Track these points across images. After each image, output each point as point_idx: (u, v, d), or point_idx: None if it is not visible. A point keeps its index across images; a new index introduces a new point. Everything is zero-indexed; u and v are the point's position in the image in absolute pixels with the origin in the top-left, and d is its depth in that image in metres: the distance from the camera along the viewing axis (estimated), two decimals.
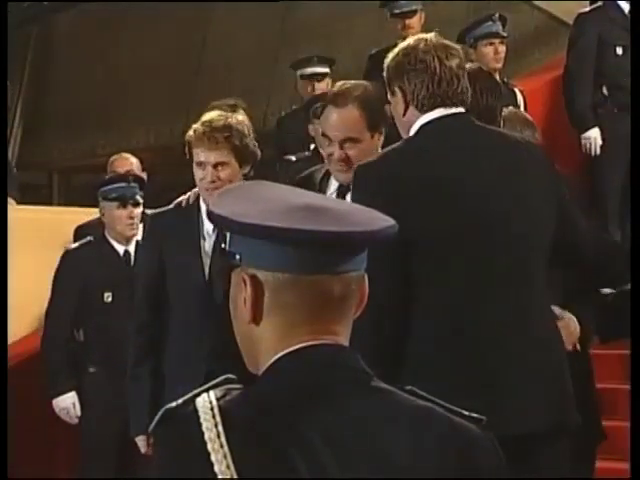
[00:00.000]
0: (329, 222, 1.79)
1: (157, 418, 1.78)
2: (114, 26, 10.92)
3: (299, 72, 8.29)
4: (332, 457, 1.74)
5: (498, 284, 3.52)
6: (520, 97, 7.62)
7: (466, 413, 1.84)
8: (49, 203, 10.16)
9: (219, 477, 1.70)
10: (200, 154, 4.52)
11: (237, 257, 1.83)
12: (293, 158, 7.26)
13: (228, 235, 1.86)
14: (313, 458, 1.73)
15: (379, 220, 1.86)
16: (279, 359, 1.82)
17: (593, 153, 7.60)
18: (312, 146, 7.33)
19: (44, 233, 7.01)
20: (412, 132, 3.58)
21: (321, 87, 8.08)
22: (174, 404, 1.78)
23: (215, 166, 4.48)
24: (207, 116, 4.67)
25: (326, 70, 8.26)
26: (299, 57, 8.57)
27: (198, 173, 4.55)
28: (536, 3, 9.22)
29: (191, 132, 4.61)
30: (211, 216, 1.84)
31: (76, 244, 6.28)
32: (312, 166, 6.95)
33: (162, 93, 10.55)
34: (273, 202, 1.82)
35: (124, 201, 6.28)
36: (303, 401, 1.78)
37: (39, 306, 6.33)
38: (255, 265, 1.81)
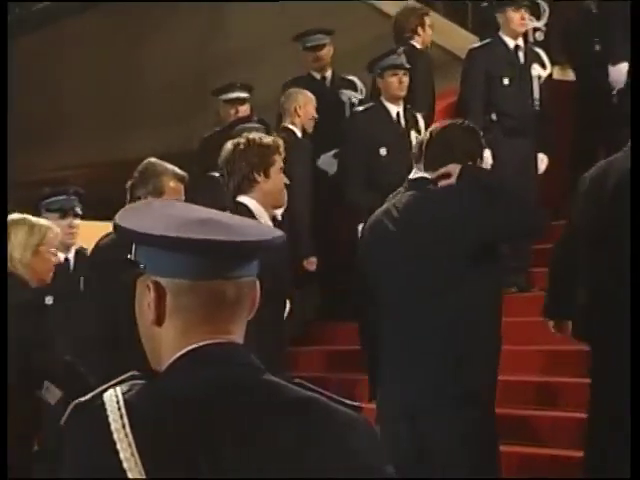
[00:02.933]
0: (222, 233, 1.80)
1: (68, 412, 1.79)
2: (58, 52, 10.87)
3: (222, 97, 8.27)
4: (225, 444, 1.74)
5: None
6: (421, 121, 7.67)
7: (347, 402, 1.85)
8: None
9: (124, 464, 1.70)
10: (281, 162, 4.81)
11: (141, 266, 1.84)
12: (215, 174, 6.98)
13: (133, 246, 1.86)
14: (209, 444, 1.74)
15: (268, 231, 1.89)
16: (180, 357, 1.82)
17: None
18: None
19: None
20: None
21: (243, 110, 8.08)
22: (83, 399, 1.78)
23: None
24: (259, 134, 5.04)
25: (247, 95, 8.23)
26: (222, 84, 8.49)
27: (281, 178, 4.78)
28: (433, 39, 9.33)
29: (272, 142, 4.82)
30: (117, 229, 1.83)
31: None
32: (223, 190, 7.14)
33: (99, 115, 10.52)
34: (173, 216, 1.83)
35: (64, 212, 6.30)
36: (200, 394, 1.78)
37: None
38: (158, 273, 1.82)
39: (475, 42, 8.33)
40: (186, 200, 7.15)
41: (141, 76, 10.77)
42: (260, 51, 9.98)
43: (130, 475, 1.70)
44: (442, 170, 4.32)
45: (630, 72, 5.45)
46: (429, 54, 8.28)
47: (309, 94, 7.95)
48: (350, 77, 8.60)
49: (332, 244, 7.86)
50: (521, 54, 7.79)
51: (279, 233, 1.86)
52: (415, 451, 4.30)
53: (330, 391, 1.86)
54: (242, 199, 4.71)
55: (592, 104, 8.08)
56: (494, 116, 7.64)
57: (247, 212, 4.64)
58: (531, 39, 8.38)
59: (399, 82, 7.63)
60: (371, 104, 7.84)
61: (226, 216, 1.89)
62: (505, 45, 7.72)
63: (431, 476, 4.31)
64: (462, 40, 9.18)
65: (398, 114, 7.63)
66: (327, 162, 8.20)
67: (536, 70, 7.81)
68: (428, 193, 4.36)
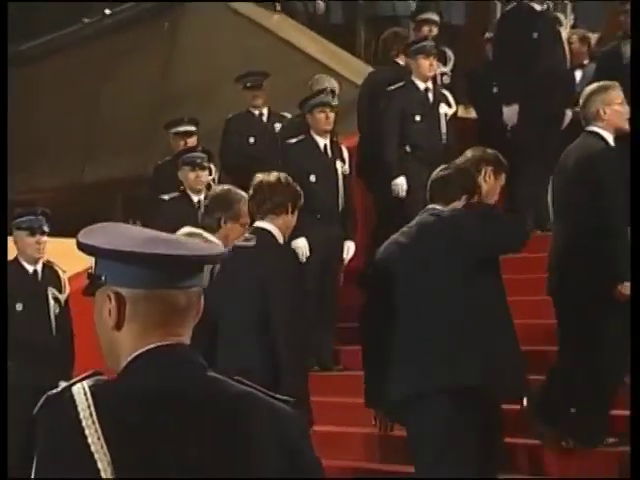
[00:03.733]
0: (174, 248, 1.86)
1: (40, 403, 1.81)
2: (32, 88, 10.91)
3: (172, 130, 8.45)
4: (178, 431, 1.79)
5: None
6: (345, 152, 7.89)
7: (278, 396, 1.90)
8: None
9: (92, 447, 1.75)
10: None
11: (102, 278, 1.87)
12: (166, 197, 7.58)
13: (94, 261, 1.88)
14: (164, 431, 1.79)
15: (212, 248, 1.99)
16: (138, 356, 1.85)
17: (400, 195, 7.87)
18: (182, 187, 7.63)
19: None
20: None
21: (191, 141, 8.25)
22: (54, 391, 1.82)
23: None
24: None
25: (194, 128, 8.41)
26: (172, 119, 8.66)
27: (295, 220, 5.27)
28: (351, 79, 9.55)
29: (301, 191, 5.27)
30: (81, 246, 1.86)
31: None
32: (179, 204, 7.37)
33: (64, 145, 10.58)
34: (128, 236, 1.88)
35: (33, 230, 6.58)
36: (155, 388, 1.83)
37: None
38: (118, 284, 1.85)
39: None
40: (143, 219, 7.46)
41: (102, 111, 10.83)
42: (206, 90, 10.03)
43: (97, 457, 1.74)
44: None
45: (630, 72, 5.54)
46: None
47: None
48: (283, 113, 8.80)
49: None
50: (430, 95, 8.04)
51: (222, 249, 2.02)
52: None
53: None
54: (264, 225, 5.14)
55: (490, 139, 8.13)
56: (408, 148, 7.91)
57: (270, 236, 5.11)
58: (439, 82, 8.54)
59: (326, 118, 7.77)
60: (302, 137, 7.93)
61: (172, 236, 1.96)
62: (417, 87, 8.03)
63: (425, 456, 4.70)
64: None
65: (325, 146, 7.81)
66: None
67: (443, 109, 8.06)
68: (437, 215, 4.97)
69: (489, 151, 5.56)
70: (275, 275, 4.99)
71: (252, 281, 4.95)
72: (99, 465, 1.73)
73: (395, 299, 4.93)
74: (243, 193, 5.58)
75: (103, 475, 1.73)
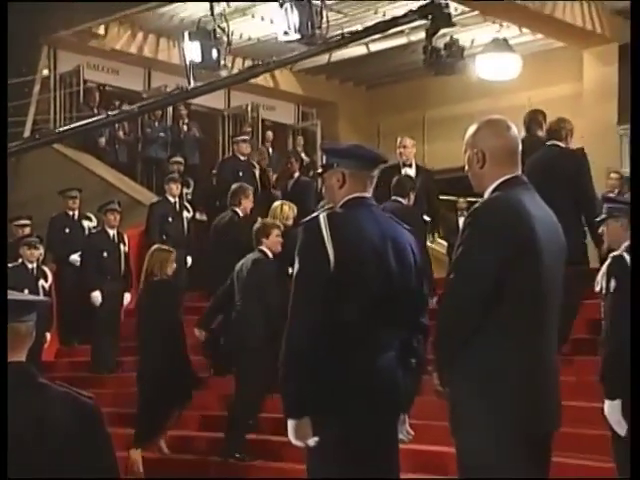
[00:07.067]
0: (16, 296, 2.00)
1: None
2: None
3: (14, 223, 9.19)
4: (19, 421, 1.87)
5: None
6: (126, 238, 8.85)
7: (84, 393, 1.97)
8: None
9: None
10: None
11: None
12: (10, 265, 8.06)
13: None
14: (14, 420, 1.88)
15: (39, 297, 2.23)
16: None
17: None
18: (19, 260, 8.27)
19: None
20: None
21: (26, 231, 8.99)
22: None
23: None
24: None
25: (29, 222, 9.20)
26: (15, 215, 9.19)
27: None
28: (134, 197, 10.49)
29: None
30: None
31: None
32: (18, 270, 7.99)
33: None
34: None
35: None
36: (9, 390, 1.92)
37: None
38: None
39: (146, 194, 9.91)
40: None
41: None
42: (40, 199, 10.39)
43: None
44: None
45: (630, 74, 4.49)
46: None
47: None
48: (88, 214, 9.71)
49: None
50: (177, 205, 9.42)
51: (47, 299, 2.21)
52: None
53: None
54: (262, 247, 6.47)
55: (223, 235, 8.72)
56: (164, 237, 8.98)
57: (266, 255, 6.40)
58: (184, 197, 9.87)
59: (114, 218, 8.92)
60: (99, 229, 9.06)
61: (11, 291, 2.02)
62: (169, 201, 9.48)
63: None
64: (143, 194, 10.68)
65: (114, 235, 8.92)
66: (74, 259, 9.37)
67: (186, 214, 9.41)
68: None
69: None
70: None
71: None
72: None
73: None
74: (245, 186, 7.68)
75: None
